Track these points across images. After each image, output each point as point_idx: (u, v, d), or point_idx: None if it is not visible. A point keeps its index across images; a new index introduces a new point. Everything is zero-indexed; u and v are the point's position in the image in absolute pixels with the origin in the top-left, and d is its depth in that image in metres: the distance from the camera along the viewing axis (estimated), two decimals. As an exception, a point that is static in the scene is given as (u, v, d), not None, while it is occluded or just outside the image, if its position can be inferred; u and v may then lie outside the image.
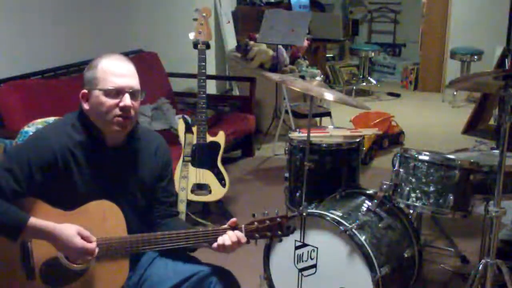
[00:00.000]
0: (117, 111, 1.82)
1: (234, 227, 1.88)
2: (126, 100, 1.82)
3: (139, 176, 1.95)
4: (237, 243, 1.85)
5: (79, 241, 1.72)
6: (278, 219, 1.90)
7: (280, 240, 1.98)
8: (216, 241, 1.86)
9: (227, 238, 1.84)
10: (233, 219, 1.90)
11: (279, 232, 1.91)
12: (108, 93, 1.81)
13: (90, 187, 1.84)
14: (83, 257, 1.75)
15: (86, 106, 1.85)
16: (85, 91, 1.85)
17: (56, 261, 1.78)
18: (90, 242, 1.75)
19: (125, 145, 1.91)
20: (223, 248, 1.84)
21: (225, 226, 1.89)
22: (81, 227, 1.75)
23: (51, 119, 2.14)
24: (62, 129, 1.85)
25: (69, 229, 1.73)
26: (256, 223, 1.89)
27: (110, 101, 1.81)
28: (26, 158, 1.75)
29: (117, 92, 1.82)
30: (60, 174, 1.79)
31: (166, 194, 2.04)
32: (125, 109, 1.82)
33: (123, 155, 1.91)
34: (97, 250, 1.76)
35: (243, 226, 1.89)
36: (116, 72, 1.83)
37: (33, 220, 1.70)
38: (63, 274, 1.79)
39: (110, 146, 1.88)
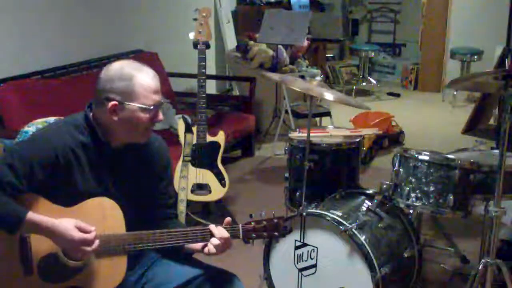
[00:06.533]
0: (149, 124, 1.85)
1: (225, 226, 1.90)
2: (161, 115, 1.87)
3: (139, 177, 1.95)
4: (224, 244, 1.86)
5: (77, 234, 1.72)
6: (275, 220, 1.93)
7: (277, 241, 1.99)
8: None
9: (212, 247, 1.86)
10: (228, 219, 1.92)
11: (276, 233, 1.93)
12: (146, 109, 1.82)
13: (90, 187, 1.84)
14: (83, 249, 1.74)
15: (115, 117, 1.82)
16: (115, 103, 1.81)
17: (54, 257, 1.78)
18: (89, 232, 1.74)
19: (126, 146, 1.92)
20: (214, 254, 1.87)
21: (212, 227, 1.89)
22: (79, 220, 1.75)
23: (51, 119, 2.15)
24: (65, 129, 1.85)
25: (67, 222, 1.73)
26: (253, 223, 1.91)
27: (147, 117, 1.83)
28: (28, 155, 1.76)
29: (154, 108, 1.84)
30: (61, 173, 1.80)
31: (165, 196, 2.04)
32: (157, 123, 1.87)
33: (124, 155, 1.92)
34: (97, 241, 1.76)
35: (240, 225, 1.91)
36: (154, 88, 1.83)
37: (31, 215, 1.71)
38: (61, 270, 1.79)
39: (112, 148, 1.89)
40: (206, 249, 1.88)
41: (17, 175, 1.73)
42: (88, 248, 1.74)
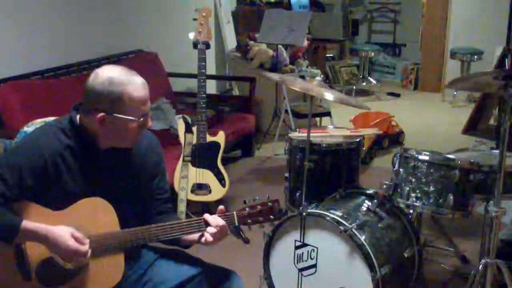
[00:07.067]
0: (137, 132, 1.85)
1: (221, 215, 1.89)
2: (150, 122, 1.86)
3: (131, 175, 1.94)
4: (220, 231, 1.85)
5: (72, 243, 1.72)
6: (270, 204, 1.92)
7: (274, 224, 1.93)
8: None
9: (209, 235, 1.85)
10: (221, 207, 1.92)
11: (271, 217, 1.92)
12: (135, 120, 1.81)
13: (81, 188, 1.84)
14: (76, 259, 1.76)
15: (103, 127, 1.81)
16: (104, 114, 1.78)
17: (51, 261, 1.78)
18: (83, 244, 1.75)
19: (116, 146, 1.91)
20: (211, 243, 1.86)
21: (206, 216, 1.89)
22: (74, 229, 1.75)
23: (51, 119, 2.14)
24: (51, 133, 1.84)
25: (63, 231, 1.73)
26: (247, 209, 1.91)
27: (136, 126, 1.82)
28: (17, 163, 1.76)
29: (143, 118, 1.84)
30: (51, 177, 1.79)
31: (160, 191, 2.04)
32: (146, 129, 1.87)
33: (114, 155, 1.90)
34: (89, 252, 1.76)
35: (234, 212, 1.91)
36: (143, 99, 1.81)
37: (26, 223, 1.71)
38: (59, 273, 1.79)
39: (100, 148, 1.88)
40: (203, 239, 1.87)
41: (8, 185, 1.73)
42: (81, 258, 1.75)
